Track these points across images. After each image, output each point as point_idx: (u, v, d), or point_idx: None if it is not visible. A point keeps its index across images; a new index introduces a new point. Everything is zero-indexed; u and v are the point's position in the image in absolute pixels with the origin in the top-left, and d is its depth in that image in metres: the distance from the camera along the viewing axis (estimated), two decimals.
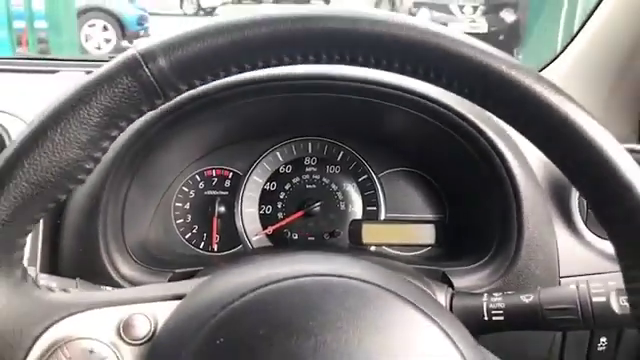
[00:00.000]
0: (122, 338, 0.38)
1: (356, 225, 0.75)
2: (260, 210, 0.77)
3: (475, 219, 0.71)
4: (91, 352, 0.38)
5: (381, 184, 0.76)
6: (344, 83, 0.64)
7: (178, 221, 0.75)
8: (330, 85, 0.64)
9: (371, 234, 0.75)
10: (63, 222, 0.62)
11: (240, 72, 0.39)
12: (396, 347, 0.36)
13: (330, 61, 0.39)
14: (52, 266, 0.61)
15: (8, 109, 0.66)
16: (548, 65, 0.85)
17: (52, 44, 4.67)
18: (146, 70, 0.37)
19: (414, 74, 0.39)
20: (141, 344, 0.39)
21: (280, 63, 0.40)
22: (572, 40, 0.80)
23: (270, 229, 0.76)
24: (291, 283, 0.38)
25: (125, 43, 8.00)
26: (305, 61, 0.39)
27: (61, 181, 0.37)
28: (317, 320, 0.36)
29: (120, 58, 0.38)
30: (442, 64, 0.37)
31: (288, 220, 0.76)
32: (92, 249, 0.60)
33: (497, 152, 0.62)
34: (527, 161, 0.65)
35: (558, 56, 0.83)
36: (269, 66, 0.40)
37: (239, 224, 0.76)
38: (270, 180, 0.77)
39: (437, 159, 0.74)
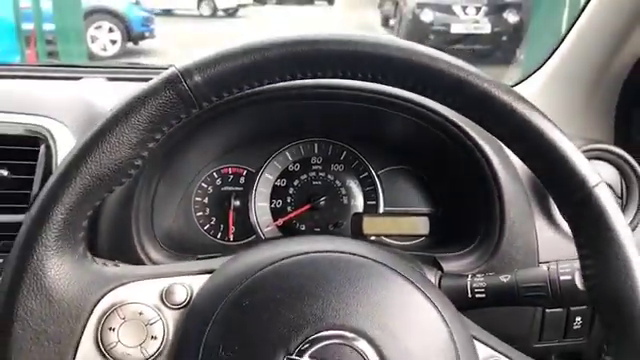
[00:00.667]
0: (164, 303, 0.47)
1: (357, 217, 0.83)
2: (271, 204, 0.85)
3: (463, 212, 0.79)
4: (140, 314, 0.46)
5: (380, 181, 0.85)
6: (348, 92, 0.72)
7: (198, 214, 0.84)
8: (336, 93, 0.72)
9: (371, 226, 0.83)
10: (101, 211, 0.70)
11: (261, 86, 0.48)
12: (388, 311, 0.44)
13: (332, 77, 0.48)
14: (90, 249, 0.70)
15: (48, 113, 0.75)
16: (527, 79, 0.93)
17: (61, 52, 4.74)
18: (185, 85, 0.46)
19: (407, 88, 0.47)
20: (180, 308, 0.47)
21: (293, 78, 0.48)
22: (551, 55, 0.88)
23: (280, 221, 0.84)
24: (303, 257, 0.46)
25: (131, 45, 8.11)
26: (314, 77, 0.48)
27: (116, 175, 0.46)
28: (324, 287, 0.44)
29: (163, 75, 0.46)
30: (428, 80, 0.46)
31: (296, 213, 0.84)
32: (125, 235, 0.68)
33: (482, 153, 0.70)
34: (509, 160, 0.73)
35: (537, 70, 0.92)
36: (284, 81, 0.48)
37: (252, 217, 0.84)
38: (280, 177, 0.85)
39: (430, 159, 0.82)
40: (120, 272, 0.49)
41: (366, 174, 0.85)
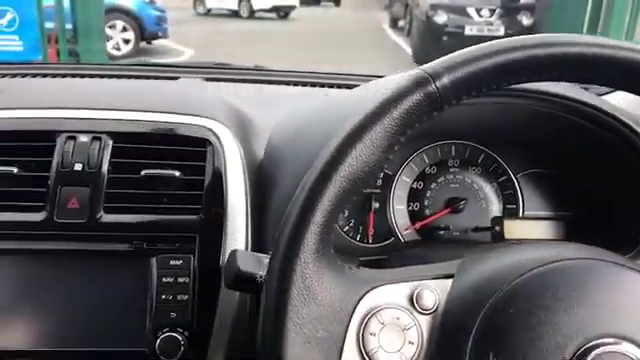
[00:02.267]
0: (415, 308, 0.47)
1: (497, 222, 0.83)
2: (408, 207, 0.85)
3: (614, 216, 0.78)
4: (397, 319, 0.46)
5: (519, 184, 0.84)
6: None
7: None
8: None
9: (512, 230, 0.83)
10: (268, 209, 0.70)
11: (497, 89, 0.48)
12: None
13: (568, 80, 0.48)
14: (254, 246, 0.70)
15: (206, 113, 0.75)
16: None
17: (81, 51, 4.73)
18: (434, 87, 0.46)
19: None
20: (430, 314, 0.47)
21: (529, 81, 0.48)
22: None
23: (418, 224, 0.84)
24: (557, 265, 0.46)
25: (144, 44, 8.12)
26: (550, 79, 0.48)
27: (367, 178, 0.46)
28: (588, 294, 0.44)
29: (412, 77, 0.46)
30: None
31: (437, 216, 0.84)
32: None
33: None
34: None
35: None
36: (519, 83, 0.48)
37: (391, 219, 0.84)
38: (417, 180, 0.85)
39: (574, 160, 0.82)
40: (369, 275, 0.48)
41: (505, 177, 0.85)
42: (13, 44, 4.68)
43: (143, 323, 0.65)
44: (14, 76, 1.19)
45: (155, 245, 0.66)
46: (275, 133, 0.82)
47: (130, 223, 0.67)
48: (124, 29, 7.74)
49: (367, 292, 0.46)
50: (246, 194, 0.70)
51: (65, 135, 0.69)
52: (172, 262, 0.66)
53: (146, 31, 8.01)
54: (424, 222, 0.84)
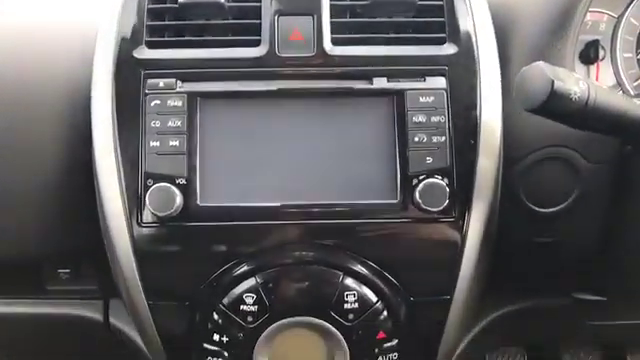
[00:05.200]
0: None
1: None
2: (638, 55, 0.72)
3: None
4: None
5: None
6: None
7: None
8: None
9: None
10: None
11: None
12: None
13: None
14: None
15: None
16: None
17: None
18: None
19: None
20: None
21: None
22: None
23: None
24: None
25: None
26: None
27: None
28: None
29: None
30: None
31: None
32: None
33: None
34: None
35: None
36: None
37: (617, 69, 0.72)
38: None
39: None
40: None
41: None
42: None
43: (393, 170, 0.55)
44: None
45: (398, 80, 0.55)
46: None
47: (365, 56, 0.56)
48: None
49: None
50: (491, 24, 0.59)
51: None
52: (422, 99, 0.55)
53: None
54: None
